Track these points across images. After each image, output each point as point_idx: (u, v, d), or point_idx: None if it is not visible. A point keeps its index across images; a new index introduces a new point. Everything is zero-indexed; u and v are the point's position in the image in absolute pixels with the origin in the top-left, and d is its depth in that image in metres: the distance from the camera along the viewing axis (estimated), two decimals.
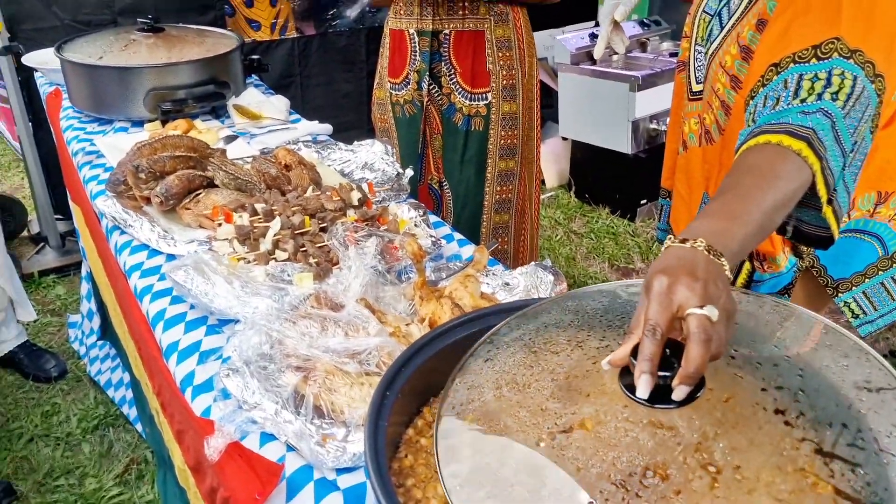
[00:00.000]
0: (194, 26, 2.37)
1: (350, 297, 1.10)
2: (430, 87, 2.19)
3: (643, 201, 3.67)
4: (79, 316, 2.66)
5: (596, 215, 3.76)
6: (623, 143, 3.49)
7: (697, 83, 1.38)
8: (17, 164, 4.28)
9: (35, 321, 2.73)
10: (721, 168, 1.33)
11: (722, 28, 1.27)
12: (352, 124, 3.86)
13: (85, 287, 2.52)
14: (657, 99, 3.43)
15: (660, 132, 3.49)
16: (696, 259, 0.72)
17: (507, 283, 1.23)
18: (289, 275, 1.20)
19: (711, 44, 1.29)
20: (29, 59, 2.38)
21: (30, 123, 3.04)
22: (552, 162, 4.04)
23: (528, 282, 1.21)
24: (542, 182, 3.84)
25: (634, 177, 3.62)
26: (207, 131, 1.91)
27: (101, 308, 2.30)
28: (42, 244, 3.26)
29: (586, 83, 3.58)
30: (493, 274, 1.26)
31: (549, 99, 4.00)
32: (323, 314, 1.06)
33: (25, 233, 3.38)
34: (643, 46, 3.80)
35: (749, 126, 1.05)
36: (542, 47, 3.73)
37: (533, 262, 1.24)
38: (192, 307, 1.18)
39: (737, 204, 0.83)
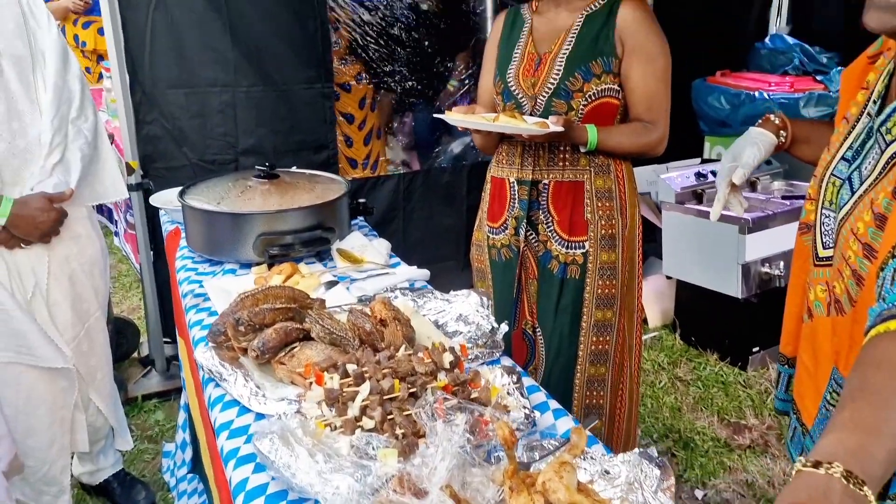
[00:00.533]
0: (307, 171, 2.49)
1: (435, 482, 1.03)
2: (528, 234, 2.18)
3: (755, 349, 3.43)
4: (173, 445, 2.69)
5: (703, 361, 3.54)
6: (733, 287, 3.31)
7: (825, 248, 1.29)
8: (137, 285, 4.56)
9: (132, 448, 2.79)
10: (852, 343, 1.21)
11: (853, 193, 1.19)
12: (450, 256, 3.91)
13: (182, 416, 2.56)
14: (769, 241, 3.27)
15: (773, 276, 3.31)
16: (831, 489, 0.63)
17: (608, 472, 1.12)
18: (374, 448, 1.15)
19: (841, 209, 1.21)
20: (155, 200, 2.56)
21: (151, 252, 3.25)
22: (655, 301, 3.89)
23: (630, 472, 1.10)
24: (644, 321, 3.68)
25: (746, 322, 3.41)
26: (310, 275, 1.95)
27: (195, 440, 2.32)
28: (149, 368, 3.38)
29: (692, 223, 3.48)
30: (592, 457, 1.16)
31: (651, 234, 3.92)
32: (405, 502, 1.00)
33: (135, 354, 3.53)
34: (753, 186, 3.68)
35: (878, 303, 0.95)
36: (644, 182, 3.68)
37: (637, 450, 1.13)
38: (273, 478, 1.14)
39: (872, 412, 0.72)
